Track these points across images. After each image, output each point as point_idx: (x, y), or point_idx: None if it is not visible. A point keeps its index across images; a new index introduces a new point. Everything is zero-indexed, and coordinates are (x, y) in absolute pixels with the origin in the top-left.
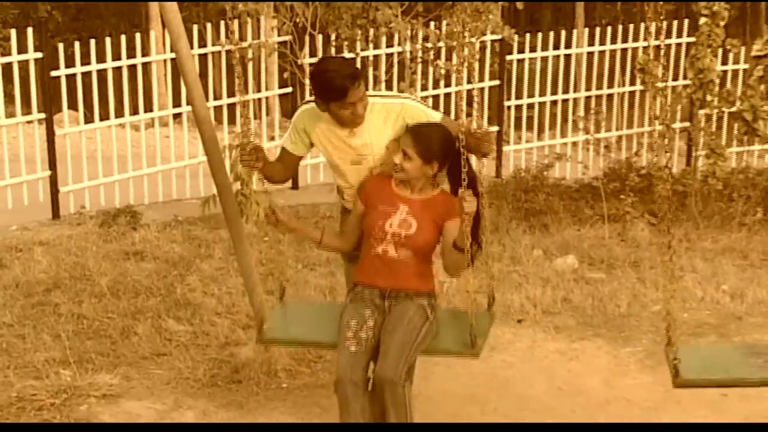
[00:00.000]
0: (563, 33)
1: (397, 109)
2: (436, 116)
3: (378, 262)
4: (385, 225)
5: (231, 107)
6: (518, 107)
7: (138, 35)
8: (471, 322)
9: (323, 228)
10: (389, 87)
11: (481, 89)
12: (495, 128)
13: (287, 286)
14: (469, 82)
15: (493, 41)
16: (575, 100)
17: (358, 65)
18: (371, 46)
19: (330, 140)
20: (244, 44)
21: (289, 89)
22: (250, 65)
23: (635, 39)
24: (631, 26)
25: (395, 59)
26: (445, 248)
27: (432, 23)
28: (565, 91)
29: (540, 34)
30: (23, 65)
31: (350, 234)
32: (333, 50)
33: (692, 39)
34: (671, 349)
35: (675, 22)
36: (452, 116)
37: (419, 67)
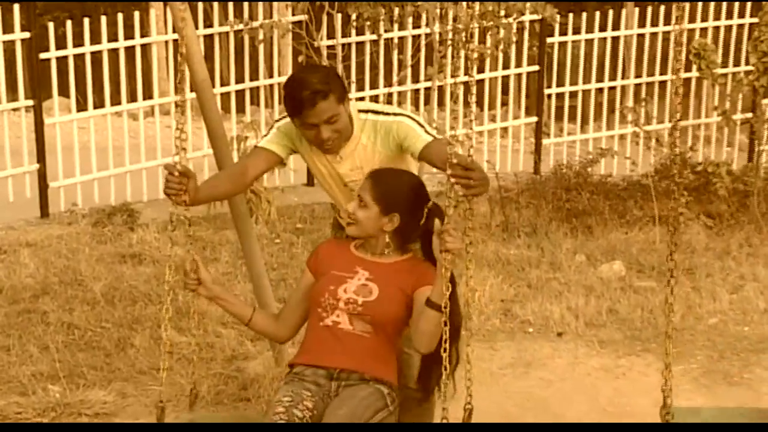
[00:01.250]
0: (610, 13)
1: (392, 127)
2: (427, 138)
3: (327, 335)
4: (338, 290)
5: (240, 94)
6: (559, 96)
7: (136, 14)
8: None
9: (255, 305)
10: (416, 72)
11: (518, 76)
12: (533, 119)
13: None
14: (504, 67)
15: (532, 22)
16: (623, 88)
17: (343, 73)
18: (396, 26)
19: (314, 159)
20: (255, 24)
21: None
22: (261, 47)
23: (691, 20)
24: (687, 5)
25: (422, 41)
26: (414, 315)
27: (464, 2)
28: (612, 77)
29: (584, 14)
30: (9, 46)
31: (290, 316)
32: (353, 31)
33: (755, 19)
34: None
35: (736, 2)
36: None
37: (449, 51)
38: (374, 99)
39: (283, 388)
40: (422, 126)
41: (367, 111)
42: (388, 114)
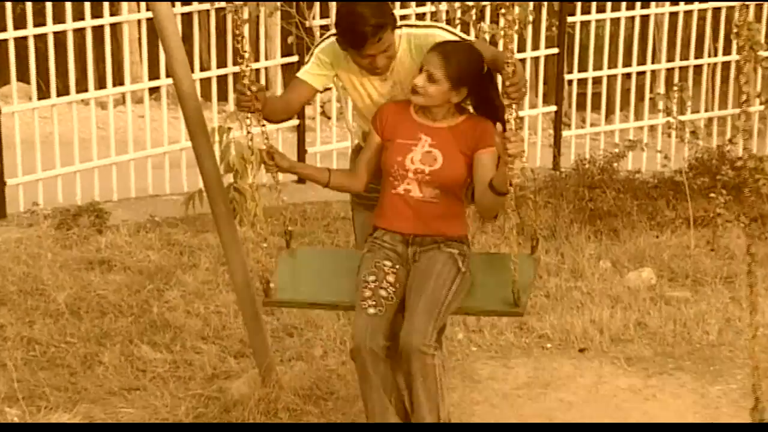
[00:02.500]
0: None
1: (426, 40)
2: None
3: (399, 203)
4: (406, 160)
5: (222, 80)
6: (582, 82)
7: None
8: (513, 271)
9: (330, 169)
10: None
11: (536, 59)
12: (552, 108)
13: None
14: (520, 50)
15: None
16: (654, 73)
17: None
18: (398, 4)
19: (357, 82)
20: (239, 1)
21: (294, 58)
22: (246, 28)
23: None
24: None
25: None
26: (478, 186)
27: None
28: (641, 61)
29: None
30: None
31: (363, 171)
32: None
33: None
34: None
35: None
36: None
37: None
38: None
39: (367, 258)
40: (453, 33)
41: (400, 26)
42: (420, 27)
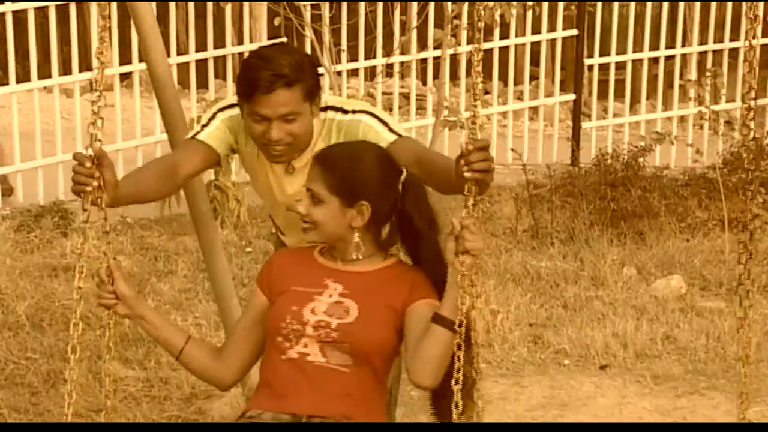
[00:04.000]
0: None
1: (354, 128)
2: (389, 138)
3: (290, 371)
4: (303, 311)
5: (201, 65)
6: (603, 67)
7: None
8: None
9: (190, 334)
10: (423, 38)
11: (552, 42)
12: (571, 96)
13: None
14: (535, 32)
15: None
16: (684, 57)
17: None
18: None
19: (260, 167)
20: None
21: (283, 41)
22: (228, 8)
23: None
24: None
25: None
26: (412, 342)
27: None
28: (670, 44)
29: None
30: None
31: (238, 350)
32: None
33: None
34: None
35: None
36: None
37: (464, 11)
38: (371, 71)
39: None
40: (385, 123)
41: (327, 108)
42: (347, 111)
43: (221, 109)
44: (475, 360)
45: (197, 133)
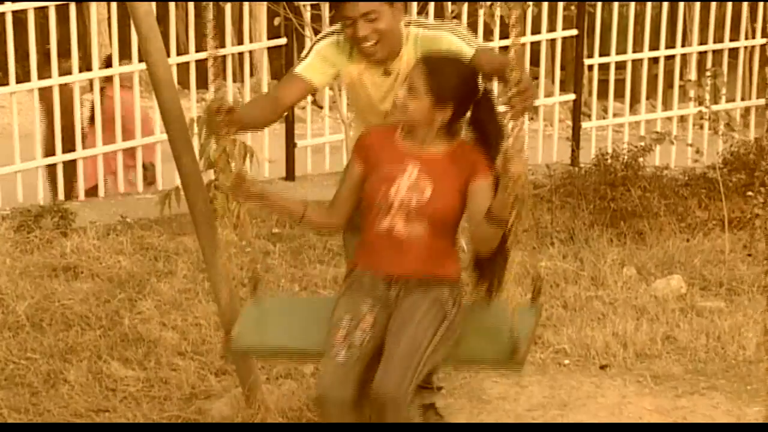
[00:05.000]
0: None
1: (433, 45)
2: (470, 50)
3: (382, 240)
4: (390, 191)
5: (201, 65)
6: (603, 67)
7: None
8: (511, 319)
9: (306, 202)
10: None
11: (552, 41)
12: (571, 96)
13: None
14: (534, 31)
15: None
16: (684, 57)
17: None
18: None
19: (357, 78)
20: None
21: (282, 40)
22: (228, 8)
23: None
24: None
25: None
26: (473, 217)
27: None
28: (670, 44)
29: None
30: None
31: (343, 206)
32: None
33: None
34: None
35: None
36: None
37: (464, 9)
38: None
39: (343, 299)
40: (464, 38)
41: (409, 23)
42: (430, 27)
43: (317, 41)
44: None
45: (295, 66)
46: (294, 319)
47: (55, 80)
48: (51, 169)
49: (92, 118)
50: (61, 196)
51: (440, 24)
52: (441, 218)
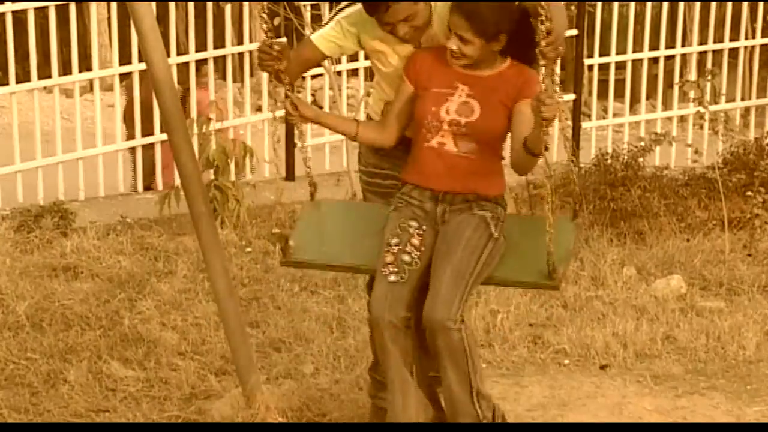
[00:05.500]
0: None
1: None
2: None
3: (432, 157)
4: (440, 111)
5: (201, 65)
6: (603, 67)
7: None
8: (549, 240)
9: (358, 120)
10: None
11: None
12: (571, 96)
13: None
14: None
15: None
16: (684, 57)
17: None
18: None
19: (386, 46)
20: None
21: (282, 40)
22: (228, 8)
23: None
24: None
25: None
26: (514, 140)
27: None
28: (670, 44)
29: None
30: None
31: (394, 123)
32: None
33: None
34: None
35: None
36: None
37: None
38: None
39: (392, 218)
40: None
41: None
42: None
43: (340, 10)
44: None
45: (313, 32)
46: (349, 229)
47: (54, 80)
48: (131, 155)
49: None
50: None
51: None
52: (488, 137)
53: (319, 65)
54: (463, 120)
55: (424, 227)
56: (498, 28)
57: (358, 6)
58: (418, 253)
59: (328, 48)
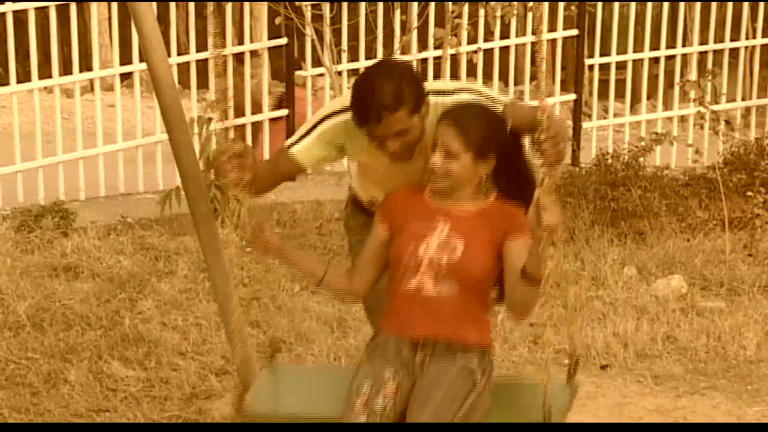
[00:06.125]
0: None
1: None
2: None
3: (409, 302)
4: (419, 249)
5: (202, 65)
6: (604, 67)
7: None
8: (545, 397)
9: (327, 264)
10: (423, 37)
11: (552, 42)
12: (571, 96)
13: (281, 342)
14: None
15: None
16: (685, 57)
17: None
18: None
19: (377, 167)
20: None
21: (283, 40)
22: (228, 7)
23: None
24: None
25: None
26: (508, 278)
27: None
28: (671, 44)
29: None
30: None
31: (367, 270)
32: None
33: None
34: None
35: None
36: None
37: (465, 10)
38: None
39: (364, 366)
40: (486, 96)
41: (428, 93)
42: (449, 93)
43: (322, 119)
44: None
45: (294, 143)
46: (311, 387)
47: (55, 80)
48: None
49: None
50: None
51: (459, 86)
52: (473, 278)
53: (294, 179)
54: (444, 259)
55: (400, 374)
56: (489, 143)
57: (343, 117)
58: (392, 401)
59: (310, 162)
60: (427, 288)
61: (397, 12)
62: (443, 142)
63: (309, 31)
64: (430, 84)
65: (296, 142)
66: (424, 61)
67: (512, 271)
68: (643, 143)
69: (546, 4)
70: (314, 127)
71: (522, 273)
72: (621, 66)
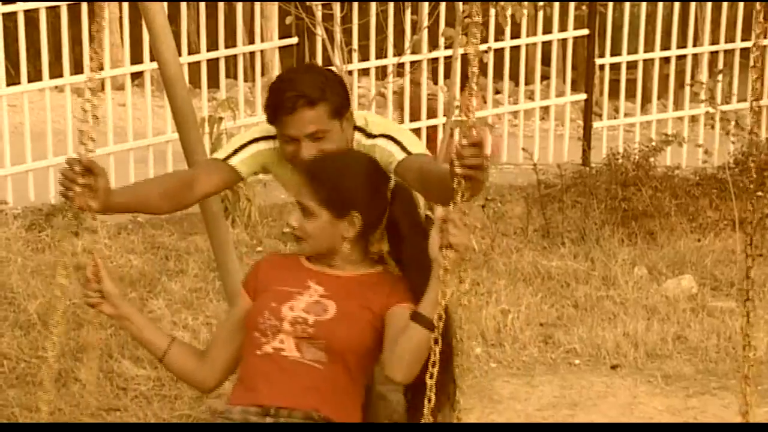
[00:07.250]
0: None
1: (371, 152)
2: (399, 156)
3: (264, 366)
4: (282, 307)
5: (212, 64)
6: (614, 67)
7: None
8: None
9: (174, 338)
10: (433, 36)
11: (563, 42)
12: (582, 96)
13: None
14: (546, 31)
15: None
16: (695, 57)
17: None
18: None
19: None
20: None
21: (294, 40)
22: (239, 7)
23: None
24: None
25: None
26: (388, 337)
27: None
28: (682, 44)
29: None
30: None
31: (219, 355)
32: None
33: None
34: None
35: None
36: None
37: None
38: (382, 70)
39: None
40: (400, 144)
41: (355, 128)
42: (369, 136)
43: (256, 140)
44: (452, 361)
45: (229, 156)
46: None
47: (66, 79)
48: None
49: None
50: None
51: (385, 127)
52: (343, 346)
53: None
54: (311, 318)
55: None
56: (351, 198)
57: (271, 144)
58: None
59: (248, 173)
60: (289, 350)
61: (408, 11)
62: (297, 197)
63: (319, 30)
64: (361, 116)
65: (231, 156)
66: (435, 60)
67: (394, 334)
68: (653, 143)
69: (557, 4)
70: (250, 143)
71: (413, 315)
72: (631, 66)
